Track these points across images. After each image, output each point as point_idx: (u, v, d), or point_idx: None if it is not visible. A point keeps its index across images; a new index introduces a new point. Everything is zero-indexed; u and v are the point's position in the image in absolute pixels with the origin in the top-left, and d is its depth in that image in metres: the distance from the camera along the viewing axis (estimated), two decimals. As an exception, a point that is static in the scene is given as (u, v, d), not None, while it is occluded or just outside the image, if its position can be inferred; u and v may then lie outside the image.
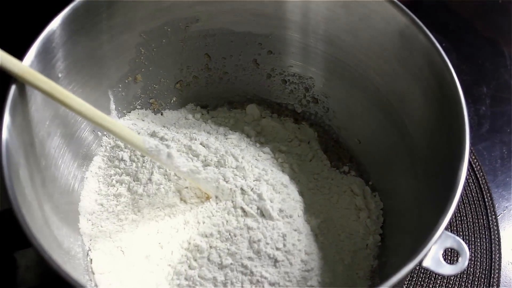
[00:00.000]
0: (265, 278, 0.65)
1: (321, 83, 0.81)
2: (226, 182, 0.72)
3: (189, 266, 0.67)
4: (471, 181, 0.85)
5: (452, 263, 0.53)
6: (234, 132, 0.81)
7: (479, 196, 0.84)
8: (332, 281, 0.66)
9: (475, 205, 0.83)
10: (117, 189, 0.74)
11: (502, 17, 1.08)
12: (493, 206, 0.83)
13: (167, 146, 0.75)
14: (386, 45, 0.70)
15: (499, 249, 0.79)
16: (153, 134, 0.77)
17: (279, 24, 0.76)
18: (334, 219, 0.73)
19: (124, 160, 0.76)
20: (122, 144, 0.77)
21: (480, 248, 0.79)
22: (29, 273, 0.73)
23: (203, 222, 0.70)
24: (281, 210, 0.69)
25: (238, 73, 0.84)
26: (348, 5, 0.70)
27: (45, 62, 0.62)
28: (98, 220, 0.72)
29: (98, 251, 0.70)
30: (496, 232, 0.81)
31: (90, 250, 0.70)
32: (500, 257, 0.79)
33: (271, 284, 0.64)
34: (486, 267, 0.78)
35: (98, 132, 0.77)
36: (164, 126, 0.81)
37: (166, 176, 0.73)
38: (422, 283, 0.76)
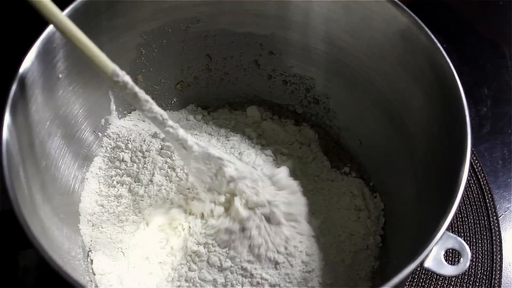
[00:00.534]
0: (266, 280, 0.64)
1: (322, 84, 0.81)
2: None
3: (189, 268, 0.67)
4: (472, 182, 0.85)
5: (454, 264, 0.53)
6: (236, 134, 0.81)
7: (480, 197, 0.84)
8: (333, 282, 0.66)
9: (476, 206, 0.83)
10: (118, 190, 0.74)
11: (503, 18, 1.07)
12: (494, 207, 0.83)
13: (169, 147, 0.75)
14: (387, 45, 0.69)
15: (501, 250, 0.79)
16: (154, 135, 0.77)
17: (280, 24, 0.76)
18: (334, 220, 0.73)
19: (125, 161, 0.75)
20: (123, 145, 0.77)
21: (482, 249, 0.79)
22: (30, 274, 0.73)
23: (202, 227, 0.70)
24: (289, 214, 0.69)
25: (238, 74, 0.83)
26: (349, 6, 0.69)
27: (45, 63, 0.62)
28: (98, 221, 0.72)
29: (98, 252, 0.70)
30: (497, 233, 0.81)
31: (90, 251, 0.70)
32: (501, 258, 0.79)
33: (271, 285, 0.64)
34: (487, 268, 0.78)
35: (99, 133, 0.77)
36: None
37: (167, 178, 0.73)
38: (423, 284, 0.76)
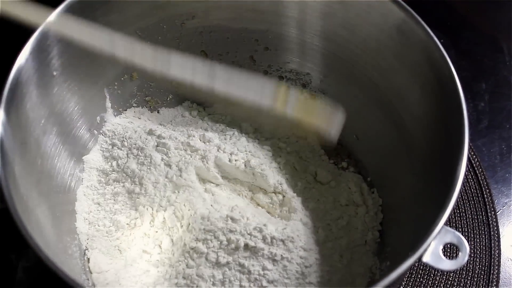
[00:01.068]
0: (264, 276, 0.64)
1: (318, 79, 0.81)
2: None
3: (186, 265, 0.67)
4: (470, 177, 0.85)
5: (452, 259, 0.53)
6: (232, 129, 0.80)
7: (478, 192, 0.84)
8: (331, 277, 0.66)
9: (474, 201, 0.83)
10: (114, 187, 0.74)
11: (501, 13, 1.07)
12: (492, 202, 0.83)
13: (165, 144, 0.75)
14: (384, 40, 0.69)
15: (499, 245, 0.79)
16: (150, 132, 0.77)
17: (276, 20, 0.76)
18: (332, 215, 0.73)
19: (121, 159, 0.75)
20: (119, 143, 0.76)
21: (480, 244, 0.79)
22: (27, 274, 0.72)
23: (201, 224, 0.69)
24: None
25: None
26: (345, 1, 0.69)
27: (40, 60, 0.62)
28: (95, 219, 0.72)
29: (95, 250, 0.69)
30: (495, 228, 0.80)
31: (87, 249, 0.70)
32: (499, 253, 0.78)
33: (269, 281, 0.64)
34: (485, 264, 0.77)
35: (94, 131, 0.76)
36: (160, 124, 0.80)
37: (163, 175, 0.73)
38: (421, 279, 0.76)
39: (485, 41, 1.04)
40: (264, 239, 0.66)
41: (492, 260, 0.78)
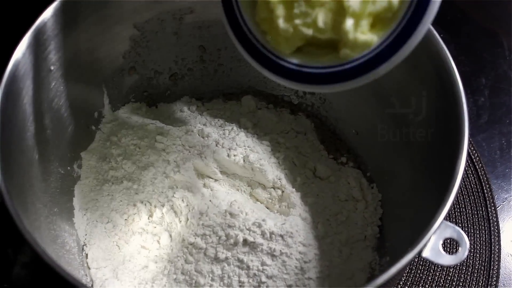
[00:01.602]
0: (263, 271, 0.64)
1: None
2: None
3: (185, 261, 0.67)
4: (470, 172, 0.85)
5: (452, 254, 0.53)
6: (231, 124, 0.80)
7: (478, 187, 0.83)
8: (330, 273, 0.66)
9: (474, 197, 0.83)
10: (112, 183, 0.73)
11: (501, 8, 1.07)
12: (492, 198, 0.83)
13: (163, 139, 0.75)
14: (383, 34, 0.69)
15: (499, 241, 0.79)
16: (148, 128, 0.76)
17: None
18: (331, 210, 0.72)
19: (118, 155, 0.75)
20: (116, 138, 0.76)
21: (480, 239, 0.79)
22: (24, 270, 0.72)
23: (199, 219, 0.69)
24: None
25: (233, 64, 0.83)
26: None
27: (36, 54, 0.61)
28: (93, 215, 0.71)
29: (93, 246, 0.69)
30: (495, 223, 0.80)
31: (85, 245, 0.70)
32: (499, 249, 0.78)
33: (268, 277, 0.64)
34: (485, 259, 0.77)
35: (92, 126, 0.76)
36: (159, 119, 0.80)
37: (161, 171, 0.73)
38: (421, 275, 0.76)
39: (485, 36, 1.03)
40: (263, 234, 0.66)
41: (492, 255, 0.77)
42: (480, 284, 0.75)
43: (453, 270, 0.76)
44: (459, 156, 0.55)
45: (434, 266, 0.76)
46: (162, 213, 0.71)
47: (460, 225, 0.80)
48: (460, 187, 0.53)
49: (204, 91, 0.85)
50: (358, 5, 0.50)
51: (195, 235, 0.68)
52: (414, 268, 0.76)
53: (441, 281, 0.75)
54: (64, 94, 0.69)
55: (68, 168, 0.72)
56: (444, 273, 0.76)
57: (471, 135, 0.81)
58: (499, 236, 0.79)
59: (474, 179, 0.84)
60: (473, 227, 0.80)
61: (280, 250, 0.65)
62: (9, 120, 0.56)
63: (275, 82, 0.82)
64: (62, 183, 0.70)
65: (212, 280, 0.65)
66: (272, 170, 0.74)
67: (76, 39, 0.67)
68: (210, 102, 0.85)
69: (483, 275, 0.76)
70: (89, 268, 0.68)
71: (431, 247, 0.53)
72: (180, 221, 0.70)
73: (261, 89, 0.85)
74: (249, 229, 0.66)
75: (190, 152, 0.74)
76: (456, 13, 1.06)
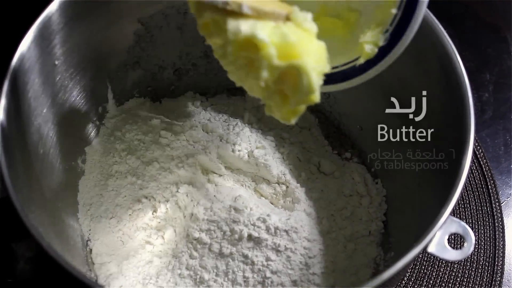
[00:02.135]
0: (267, 266, 0.64)
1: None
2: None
3: (190, 256, 0.67)
4: (474, 168, 0.85)
5: (457, 249, 0.53)
6: (235, 119, 0.80)
7: (482, 183, 0.83)
8: (335, 268, 0.66)
9: (478, 192, 0.83)
10: (116, 178, 0.73)
11: (505, 3, 1.07)
12: (497, 193, 0.83)
13: (167, 134, 0.75)
14: (389, 29, 0.68)
15: (503, 236, 0.79)
16: (152, 123, 0.76)
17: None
18: (336, 206, 0.72)
19: (123, 150, 0.75)
20: (120, 133, 0.76)
21: (484, 235, 0.79)
22: (28, 265, 0.72)
23: (204, 214, 0.69)
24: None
25: (237, 60, 0.82)
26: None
27: (41, 48, 0.61)
28: (97, 210, 0.71)
29: (97, 241, 0.69)
30: (500, 219, 0.80)
31: (89, 240, 0.70)
32: (504, 245, 0.78)
33: (273, 272, 0.64)
34: (490, 255, 0.77)
35: (96, 121, 0.76)
36: (163, 114, 0.79)
37: (165, 166, 0.73)
38: (425, 271, 0.76)
39: (489, 31, 1.03)
40: (267, 229, 0.66)
41: (497, 251, 0.77)
42: (484, 280, 0.75)
43: (457, 266, 0.76)
44: (464, 152, 0.55)
45: (439, 262, 0.76)
46: (167, 208, 0.71)
47: (465, 221, 0.80)
48: (464, 183, 0.53)
49: (208, 86, 0.85)
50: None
51: (200, 230, 0.68)
52: (418, 264, 0.76)
53: (446, 277, 0.75)
54: (68, 89, 0.69)
55: (73, 163, 0.72)
56: (448, 269, 0.76)
57: (475, 131, 0.81)
58: (503, 232, 0.79)
59: (479, 175, 0.84)
60: (478, 223, 0.80)
61: (285, 246, 0.65)
62: (14, 115, 0.56)
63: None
64: (66, 178, 0.69)
65: (217, 275, 0.65)
66: (276, 166, 0.74)
67: (80, 33, 0.67)
68: (214, 97, 0.85)
69: (488, 271, 0.76)
70: (93, 263, 0.68)
71: (437, 242, 0.53)
72: (185, 216, 0.70)
73: (266, 84, 0.85)
74: (253, 224, 0.66)
75: (194, 147, 0.74)
76: (460, 9, 1.06)
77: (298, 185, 0.73)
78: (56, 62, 0.65)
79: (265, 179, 0.75)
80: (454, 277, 0.75)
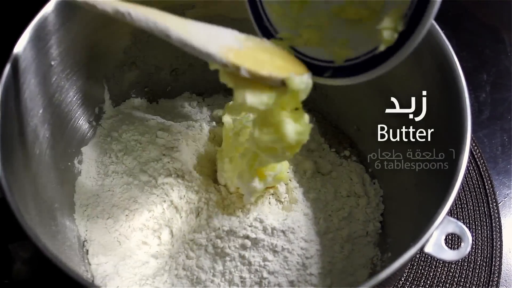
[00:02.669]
0: (264, 267, 0.64)
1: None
2: None
3: (186, 256, 0.67)
4: (472, 168, 0.85)
5: (455, 249, 0.53)
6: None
7: (479, 183, 0.83)
8: (332, 268, 0.66)
9: (475, 193, 0.83)
10: (113, 179, 0.73)
11: (502, 4, 1.07)
12: (494, 194, 0.83)
13: (163, 135, 0.74)
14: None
15: (500, 237, 0.79)
16: (148, 123, 0.76)
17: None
18: (333, 206, 0.72)
19: (119, 150, 0.75)
20: (116, 134, 0.76)
21: (481, 235, 0.79)
22: (25, 266, 0.72)
23: (200, 215, 0.69)
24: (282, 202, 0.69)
25: (234, 60, 0.82)
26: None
27: (37, 49, 0.61)
28: (93, 211, 0.71)
29: (94, 241, 0.69)
30: (497, 219, 0.80)
31: (86, 240, 0.69)
32: (501, 245, 0.78)
33: (270, 272, 0.64)
34: (487, 255, 0.77)
35: (93, 122, 0.76)
36: (159, 115, 0.79)
37: (162, 166, 0.73)
38: (422, 271, 0.76)
39: (486, 32, 1.03)
40: (264, 230, 0.66)
41: (494, 251, 0.77)
42: (481, 280, 0.75)
43: (454, 266, 0.76)
44: (461, 152, 0.55)
45: (436, 262, 0.76)
46: (163, 209, 0.71)
47: (462, 221, 0.80)
48: (461, 183, 0.53)
49: (205, 86, 0.84)
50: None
51: (193, 236, 0.68)
52: (415, 264, 0.76)
53: (443, 277, 0.75)
54: (64, 89, 0.68)
55: (69, 163, 0.72)
56: (445, 269, 0.76)
57: (472, 131, 0.81)
58: (500, 232, 0.79)
59: (476, 175, 0.84)
60: (475, 223, 0.80)
61: (282, 246, 0.65)
62: (9, 115, 0.56)
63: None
64: (62, 179, 0.69)
65: (214, 275, 0.65)
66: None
67: (77, 34, 0.67)
68: (211, 97, 0.85)
69: (485, 271, 0.76)
70: (89, 264, 0.68)
71: (434, 242, 0.53)
72: (181, 217, 0.70)
73: (262, 84, 0.85)
74: (250, 225, 0.66)
75: (191, 147, 0.74)
76: (457, 9, 1.06)
77: (298, 185, 0.73)
78: (52, 63, 0.65)
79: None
80: (451, 277, 0.75)
